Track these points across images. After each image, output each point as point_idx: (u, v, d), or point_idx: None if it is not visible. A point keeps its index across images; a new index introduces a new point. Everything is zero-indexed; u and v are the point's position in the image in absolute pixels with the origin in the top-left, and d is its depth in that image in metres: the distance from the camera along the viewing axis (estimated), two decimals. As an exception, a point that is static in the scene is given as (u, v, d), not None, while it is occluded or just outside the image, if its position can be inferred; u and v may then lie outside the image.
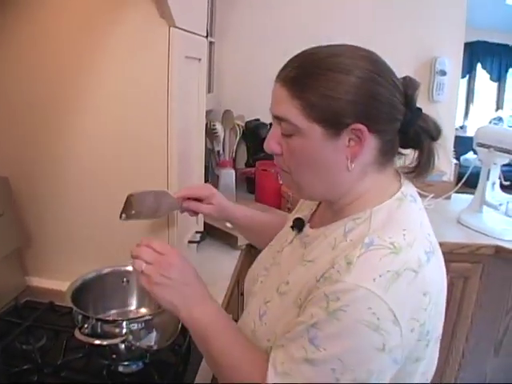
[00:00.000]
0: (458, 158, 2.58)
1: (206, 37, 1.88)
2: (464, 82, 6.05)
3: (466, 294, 1.92)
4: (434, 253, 0.75)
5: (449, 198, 2.43)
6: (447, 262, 1.97)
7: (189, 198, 1.13)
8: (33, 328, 1.10)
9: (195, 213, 1.18)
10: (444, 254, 1.93)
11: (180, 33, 1.16)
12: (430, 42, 2.30)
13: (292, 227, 0.94)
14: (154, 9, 1.11)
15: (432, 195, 2.31)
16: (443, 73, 2.28)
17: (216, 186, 2.20)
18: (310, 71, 0.74)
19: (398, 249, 0.69)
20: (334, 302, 0.66)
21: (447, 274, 1.85)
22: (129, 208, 1.06)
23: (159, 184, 1.22)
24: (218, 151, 2.23)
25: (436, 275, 0.75)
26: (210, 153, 2.27)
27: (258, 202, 2.19)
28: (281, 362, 0.71)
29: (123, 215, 1.06)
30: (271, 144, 0.81)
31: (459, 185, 2.26)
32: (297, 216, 0.96)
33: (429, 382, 0.82)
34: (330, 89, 0.72)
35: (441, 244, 1.92)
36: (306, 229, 0.90)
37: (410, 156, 0.86)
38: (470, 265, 1.88)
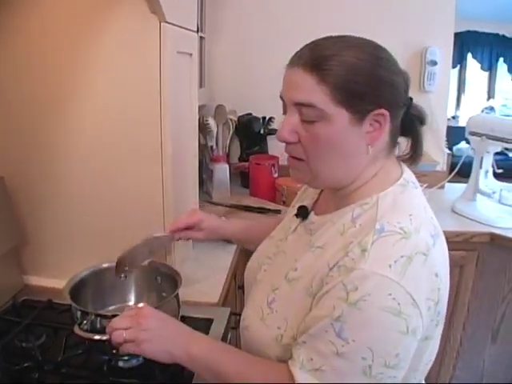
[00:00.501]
0: (450, 148, 2.58)
1: (197, 32, 1.89)
2: (455, 71, 6.07)
3: (462, 282, 1.93)
4: (438, 235, 0.78)
5: (442, 187, 2.44)
6: (442, 250, 1.97)
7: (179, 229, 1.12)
8: (32, 326, 1.10)
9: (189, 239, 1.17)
10: (440, 242, 1.93)
11: (171, 28, 1.17)
12: (420, 32, 2.30)
13: (296, 215, 0.95)
14: (144, 4, 1.11)
15: (426, 185, 2.32)
16: (434, 63, 2.28)
17: (210, 180, 2.20)
18: (333, 58, 0.74)
19: (407, 233, 0.72)
20: (354, 291, 0.68)
21: (444, 262, 1.82)
22: (121, 268, 1.06)
23: (154, 179, 1.23)
24: (212, 146, 2.23)
25: (442, 256, 0.78)
26: (203, 148, 2.27)
27: (253, 195, 2.19)
28: (308, 359, 0.71)
29: (121, 276, 1.07)
30: (286, 133, 0.79)
31: (452, 174, 2.27)
32: (301, 204, 0.97)
33: (432, 361, 0.84)
34: (355, 74, 0.74)
35: (436, 233, 1.93)
36: (311, 216, 0.91)
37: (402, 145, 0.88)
38: (465, 253, 1.89)
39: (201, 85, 2.27)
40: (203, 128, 2.18)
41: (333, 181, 0.83)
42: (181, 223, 1.12)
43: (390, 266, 0.68)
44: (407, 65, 2.64)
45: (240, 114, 2.38)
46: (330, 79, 0.73)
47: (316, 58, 0.75)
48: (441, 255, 0.77)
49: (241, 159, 2.43)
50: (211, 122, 2.17)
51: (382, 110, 0.75)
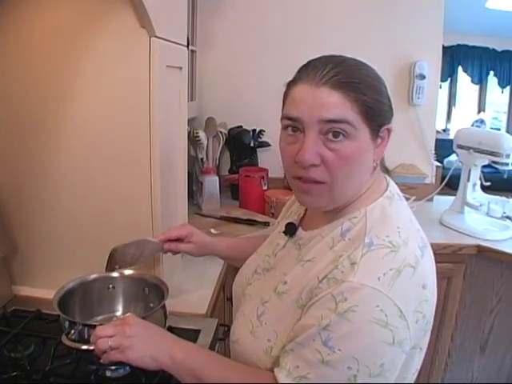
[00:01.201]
0: (441, 161, 2.61)
1: (188, 46, 1.92)
2: (446, 85, 6.13)
3: (450, 294, 1.95)
4: (426, 247, 0.81)
5: (431, 200, 2.47)
6: (430, 262, 1.98)
7: (170, 240, 1.14)
8: (21, 336, 1.11)
9: (177, 252, 1.19)
10: (427, 254, 1.94)
11: (160, 42, 1.19)
12: (408, 46, 2.34)
13: (284, 232, 0.96)
14: (134, 19, 1.14)
15: (414, 198, 2.35)
16: (422, 76, 2.32)
17: (200, 192, 2.22)
18: (358, 76, 0.77)
19: (396, 247, 0.74)
20: (343, 302, 0.70)
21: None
22: (113, 262, 1.09)
23: (142, 191, 1.24)
24: (202, 158, 2.25)
25: (430, 267, 0.80)
26: (193, 160, 2.29)
27: (242, 207, 2.21)
28: (295, 367, 0.73)
29: (114, 268, 1.10)
30: (311, 155, 0.76)
31: (440, 187, 2.30)
32: (287, 221, 0.98)
33: (418, 370, 0.85)
34: (377, 93, 0.79)
35: (423, 245, 1.94)
36: (299, 232, 0.93)
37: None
38: (452, 265, 1.91)
39: (191, 98, 2.30)
40: (193, 140, 2.20)
41: (344, 200, 0.83)
42: (171, 233, 1.14)
43: (379, 279, 0.70)
44: (396, 78, 2.70)
45: (230, 127, 2.41)
46: (359, 97, 0.76)
47: (340, 77, 0.76)
48: (429, 266, 0.79)
49: (231, 171, 2.45)
50: (201, 134, 2.19)
51: (390, 126, 0.81)
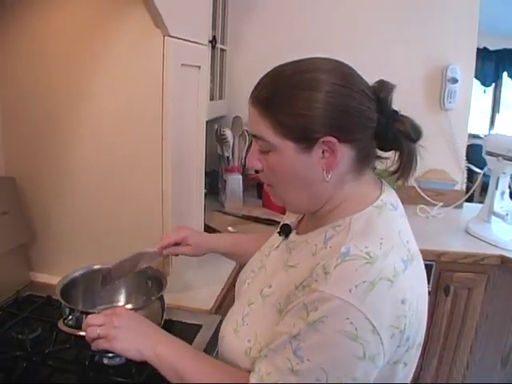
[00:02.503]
0: (482, 168, 2.47)
1: (213, 45, 1.95)
2: (490, 90, 5.92)
3: (470, 305, 1.89)
4: (412, 260, 0.76)
5: (460, 207, 2.41)
6: (450, 271, 1.95)
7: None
8: (29, 319, 1.16)
9: (176, 255, 1.22)
10: (447, 263, 1.91)
11: (175, 41, 1.22)
12: (441, 49, 2.29)
13: (279, 233, 0.97)
14: (149, 19, 1.16)
15: (441, 204, 2.31)
16: (454, 80, 2.26)
17: (224, 191, 2.25)
18: (277, 90, 0.77)
19: (373, 258, 0.70)
20: (313, 312, 0.69)
21: (450, 284, 1.83)
22: (108, 281, 1.10)
23: (154, 188, 1.27)
24: (228, 157, 2.27)
25: (414, 282, 0.75)
26: (219, 158, 2.32)
27: (265, 207, 2.22)
28: (267, 373, 0.73)
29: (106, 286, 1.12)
30: (252, 160, 0.84)
31: (468, 194, 2.24)
32: (285, 222, 0.99)
33: None
34: (297, 106, 0.75)
35: (443, 253, 1.91)
36: (293, 235, 0.93)
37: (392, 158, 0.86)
38: (474, 275, 1.86)
39: (220, 96, 2.33)
40: (220, 139, 2.23)
41: (300, 206, 0.86)
42: (169, 240, 1.16)
43: (350, 291, 0.67)
44: (427, 82, 2.65)
45: (258, 126, 2.42)
46: (271, 114, 0.77)
47: (258, 93, 0.79)
48: (413, 281, 0.75)
49: (257, 171, 2.46)
50: (228, 133, 2.22)
51: (329, 138, 0.75)
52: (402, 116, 0.81)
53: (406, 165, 0.82)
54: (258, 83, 0.81)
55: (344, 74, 0.79)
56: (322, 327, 0.67)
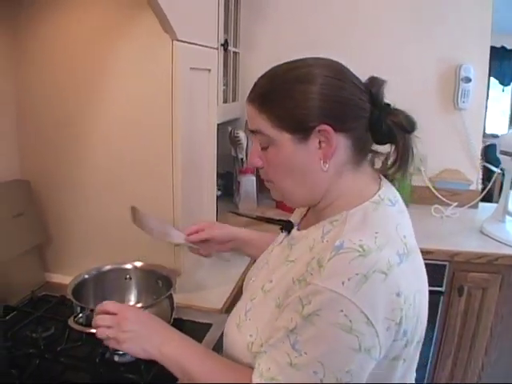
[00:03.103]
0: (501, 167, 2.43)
1: (226, 48, 1.97)
2: (509, 89, 5.81)
3: (485, 306, 1.87)
4: (408, 255, 0.77)
5: (475, 207, 2.39)
6: (464, 271, 1.93)
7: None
8: (43, 318, 1.19)
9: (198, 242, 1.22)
10: (460, 263, 1.89)
11: (183, 45, 1.24)
12: (454, 49, 2.27)
13: (281, 229, 0.99)
14: (157, 24, 1.19)
15: (456, 204, 2.29)
16: (468, 80, 2.24)
17: (238, 192, 2.27)
18: (273, 86, 0.82)
19: (366, 251, 0.71)
20: (308, 305, 0.70)
21: (464, 284, 1.82)
22: (133, 218, 1.17)
23: (164, 190, 1.30)
24: (242, 158, 2.29)
25: (411, 276, 0.76)
26: (234, 160, 2.33)
27: (279, 208, 2.23)
28: (267, 369, 0.74)
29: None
30: (253, 158, 0.87)
31: (482, 194, 2.22)
32: (288, 219, 1.00)
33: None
34: (292, 99, 0.79)
35: (457, 253, 1.89)
36: (294, 231, 0.94)
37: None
38: (488, 275, 1.84)
39: (234, 99, 2.35)
40: (233, 140, 2.25)
41: (299, 199, 0.88)
42: (196, 227, 1.20)
43: (343, 283, 0.68)
44: (440, 81, 2.62)
45: (271, 128, 2.43)
46: (267, 108, 0.81)
47: (254, 90, 0.84)
48: (409, 275, 0.75)
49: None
50: (241, 134, 2.23)
51: (324, 126, 0.78)
52: (395, 109, 0.84)
53: (403, 157, 0.83)
54: (255, 84, 0.85)
55: (336, 69, 0.83)
56: (317, 320, 0.69)
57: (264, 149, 0.84)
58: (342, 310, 0.68)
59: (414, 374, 0.88)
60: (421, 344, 0.83)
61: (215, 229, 1.22)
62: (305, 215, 0.99)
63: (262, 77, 0.85)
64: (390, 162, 0.86)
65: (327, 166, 0.80)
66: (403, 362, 0.78)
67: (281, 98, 0.80)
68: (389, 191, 0.85)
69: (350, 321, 0.67)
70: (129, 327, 0.87)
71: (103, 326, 0.88)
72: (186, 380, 0.84)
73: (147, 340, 0.87)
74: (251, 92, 0.85)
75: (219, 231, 1.22)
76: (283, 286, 0.81)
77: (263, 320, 0.82)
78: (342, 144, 0.80)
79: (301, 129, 0.79)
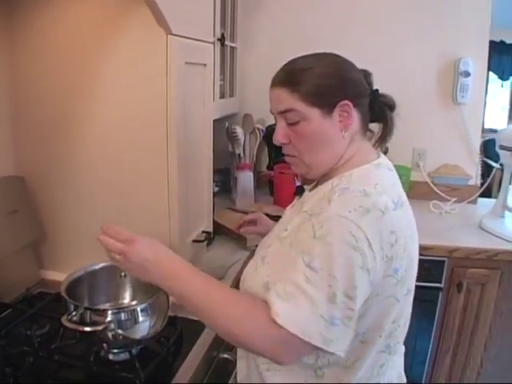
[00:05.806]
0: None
1: (222, 42, 1.95)
2: (508, 84, 5.80)
3: (484, 302, 1.87)
4: (402, 205, 0.90)
5: (475, 202, 2.38)
6: (463, 267, 1.93)
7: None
8: (38, 316, 1.18)
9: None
10: (459, 259, 1.89)
11: (178, 40, 1.22)
12: (453, 43, 2.26)
13: (295, 193, 1.15)
14: (152, 18, 1.17)
15: (454, 199, 2.28)
16: (467, 74, 2.22)
17: (235, 188, 2.25)
18: (298, 72, 0.94)
19: (368, 193, 0.85)
20: (320, 229, 0.82)
21: (463, 280, 1.83)
22: None
23: (160, 187, 1.28)
24: (239, 154, 2.28)
25: (403, 223, 0.89)
26: (231, 156, 2.32)
27: (276, 204, 2.22)
28: (283, 289, 0.81)
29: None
30: (280, 136, 0.98)
31: (481, 189, 2.21)
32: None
33: (400, 326, 0.94)
34: (316, 79, 0.92)
35: (456, 249, 1.89)
36: (306, 192, 1.08)
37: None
38: (487, 271, 1.84)
39: (231, 94, 2.34)
40: (231, 136, 2.23)
41: (324, 167, 0.98)
42: (244, 220, 1.41)
43: (350, 212, 0.81)
44: (439, 76, 2.62)
45: (269, 124, 2.42)
46: (299, 88, 0.92)
47: (286, 74, 0.95)
48: (402, 221, 0.88)
49: (268, 168, 2.47)
50: (238, 130, 2.22)
51: (346, 101, 0.93)
52: (382, 93, 1.02)
53: (389, 132, 1.03)
54: (277, 72, 0.97)
55: (341, 58, 0.98)
56: (330, 239, 0.80)
57: (293, 124, 0.94)
58: (350, 231, 0.79)
59: (408, 324, 0.99)
60: (411, 296, 0.95)
61: (262, 222, 1.39)
62: (315, 186, 1.07)
63: (287, 64, 0.97)
64: (376, 138, 1.04)
65: (346, 134, 0.95)
66: (397, 302, 0.89)
67: (307, 79, 0.92)
68: (386, 160, 1.00)
69: (356, 240, 0.79)
70: (137, 259, 0.90)
71: (115, 252, 0.92)
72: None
73: (150, 275, 0.90)
74: (276, 78, 0.96)
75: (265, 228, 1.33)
76: (296, 230, 0.92)
77: (279, 262, 0.91)
78: (356, 116, 0.95)
79: (328, 104, 0.92)
